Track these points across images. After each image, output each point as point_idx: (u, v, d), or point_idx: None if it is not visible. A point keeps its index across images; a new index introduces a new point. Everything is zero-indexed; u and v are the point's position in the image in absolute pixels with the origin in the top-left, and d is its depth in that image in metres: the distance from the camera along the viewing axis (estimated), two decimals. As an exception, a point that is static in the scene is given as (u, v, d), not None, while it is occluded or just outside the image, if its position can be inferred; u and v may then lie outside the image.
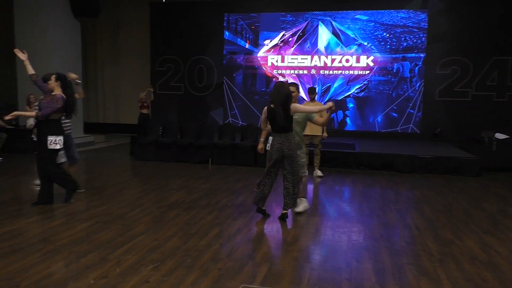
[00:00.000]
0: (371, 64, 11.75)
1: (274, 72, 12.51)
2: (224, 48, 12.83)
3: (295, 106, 4.66)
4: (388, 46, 11.59)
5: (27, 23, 10.17)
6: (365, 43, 11.76)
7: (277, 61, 12.44)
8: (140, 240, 4.00)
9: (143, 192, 6.02)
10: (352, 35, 11.85)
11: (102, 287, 3.02)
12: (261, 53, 12.56)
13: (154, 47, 13.38)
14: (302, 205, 5.12)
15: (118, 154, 9.83)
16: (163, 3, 12.98)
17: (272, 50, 12.47)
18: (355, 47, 11.85)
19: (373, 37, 11.70)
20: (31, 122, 8.99)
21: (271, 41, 12.46)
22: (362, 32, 11.77)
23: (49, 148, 5.01)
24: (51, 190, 5.22)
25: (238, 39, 12.71)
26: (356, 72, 11.90)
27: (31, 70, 5.28)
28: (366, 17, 11.71)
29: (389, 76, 11.66)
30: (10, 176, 7.04)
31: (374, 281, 3.25)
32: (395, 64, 11.57)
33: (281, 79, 12.43)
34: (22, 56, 5.33)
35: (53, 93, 5.05)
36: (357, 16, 11.77)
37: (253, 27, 12.56)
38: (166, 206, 5.29)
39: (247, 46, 12.66)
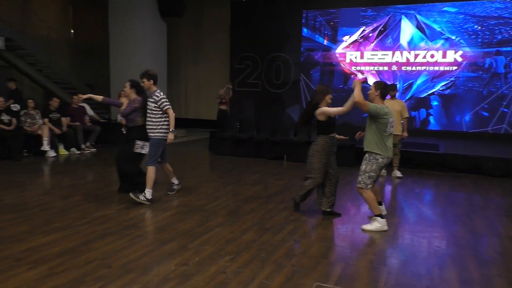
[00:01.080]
0: (459, 59, 10.97)
1: (353, 68, 12.20)
2: (302, 45, 12.79)
3: (321, 110, 4.68)
4: (480, 40, 10.73)
5: (120, 24, 11.00)
6: (453, 37, 11.01)
7: (356, 57, 12.12)
8: (218, 232, 4.16)
9: (221, 186, 6.23)
10: (438, 29, 11.15)
11: (182, 273, 3.19)
12: (339, 49, 12.32)
13: (233, 45, 13.74)
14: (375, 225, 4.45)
15: (198, 148, 10.27)
16: (244, 2, 13.27)
17: (351, 46, 12.17)
18: (441, 41, 11.14)
19: (462, 30, 10.91)
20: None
21: (350, 37, 12.17)
22: (449, 25, 11.02)
23: (135, 151, 5.23)
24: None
25: (316, 36, 12.59)
26: (441, 68, 11.19)
27: (99, 98, 5.46)
28: (455, 9, 10.95)
29: (480, 72, 10.80)
30: (103, 166, 7.69)
31: (457, 291, 3.06)
32: (487, 59, 10.68)
33: (359, 76, 12.10)
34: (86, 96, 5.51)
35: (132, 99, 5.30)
36: (445, 9, 11.05)
37: (332, 23, 12.36)
38: (242, 200, 5.43)
39: (325, 42, 12.49)
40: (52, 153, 8.27)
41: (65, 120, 8.81)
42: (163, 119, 5.12)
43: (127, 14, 10.88)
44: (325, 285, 3.08)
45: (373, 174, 4.32)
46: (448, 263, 3.58)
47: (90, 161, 8.09)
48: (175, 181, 5.71)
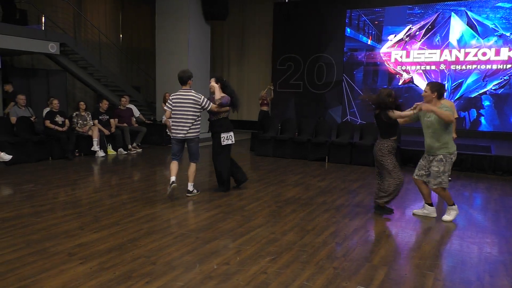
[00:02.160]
0: (514, 57, 10.40)
1: (398, 68, 11.87)
2: (345, 45, 12.61)
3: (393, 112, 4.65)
4: (537, 36, 10.13)
5: (166, 28, 11.33)
6: (508, 34, 10.45)
7: (401, 56, 11.80)
8: (259, 232, 4.18)
9: (262, 186, 6.26)
10: (491, 26, 10.63)
11: (224, 272, 3.24)
12: (384, 48, 12.03)
13: (275, 46, 13.76)
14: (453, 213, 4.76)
15: (240, 149, 10.36)
16: (286, 3, 13.26)
17: (397, 45, 11.85)
18: (494, 38, 10.61)
19: (517, 26, 10.33)
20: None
21: (395, 36, 11.86)
22: (504, 21, 10.48)
23: (223, 144, 5.57)
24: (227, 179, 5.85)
25: (360, 35, 12.36)
26: (494, 67, 10.65)
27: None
28: (510, 5, 10.39)
29: (537, 70, 10.19)
30: (148, 166, 7.94)
31: (510, 300, 2.90)
32: (545, 56, 10.06)
33: (405, 75, 11.76)
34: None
35: (217, 94, 5.51)
36: (499, 4, 10.51)
37: (376, 22, 12.09)
38: (283, 201, 5.43)
39: (369, 42, 12.24)
40: (101, 153, 8.64)
41: (113, 121, 9.18)
42: (173, 119, 5.42)
43: (173, 18, 11.19)
44: (367, 289, 3.02)
45: (449, 172, 4.59)
46: (500, 270, 3.40)
47: (136, 161, 8.38)
48: (191, 186, 5.63)
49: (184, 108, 5.28)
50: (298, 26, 13.20)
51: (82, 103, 8.96)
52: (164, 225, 4.36)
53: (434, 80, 11.12)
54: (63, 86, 11.91)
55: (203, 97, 5.37)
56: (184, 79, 5.32)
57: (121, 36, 14.36)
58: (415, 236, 4.25)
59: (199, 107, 5.32)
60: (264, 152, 9.22)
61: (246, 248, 3.75)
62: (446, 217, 4.71)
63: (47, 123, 8.22)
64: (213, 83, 5.58)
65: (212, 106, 5.42)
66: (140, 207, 4.99)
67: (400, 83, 11.87)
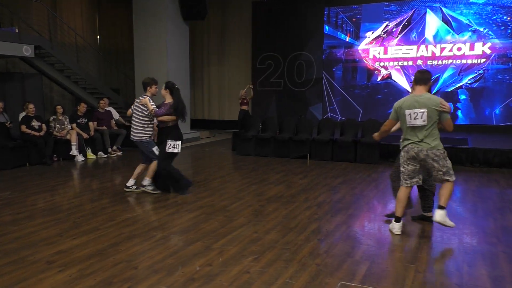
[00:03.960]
0: (488, 51, 10.64)
1: (376, 64, 12.01)
2: (324, 42, 12.70)
3: None
4: (509, 31, 10.38)
5: (144, 29, 11.20)
6: (481, 29, 10.68)
7: (379, 53, 11.94)
8: (241, 232, 4.17)
9: (244, 186, 6.25)
10: (465, 21, 10.85)
11: (206, 274, 3.22)
12: (362, 45, 12.16)
13: (255, 45, 13.76)
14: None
15: (221, 149, 10.33)
16: (264, 2, 13.26)
17: (374, 42, 11.99)
18: (468, 33, 10.84)
19: (490, 22, 10.58)
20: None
21: (373, 32, 12.00)
22: (477, 17, 10.71)
23: (167, 151, 5.52)
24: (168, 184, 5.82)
25: (338, 33, 12.47)
26: (469, 61, 10.88)
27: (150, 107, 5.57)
28: (483, 0, 10.62)
29: (510, 64, 10.45)
30: (129, 169, 7.83)
31: (488, 290, 2.96)
32: (518, 50, 10.32)
33: (383, 71, 11.91)
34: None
35: (165, 102, 5.58)
36: (472, 0, 10.73)
37: (354, 20, 12.21)
38: (265, 199, 5.43)
39: (347, 39, 12.35)
40: (80, 157, 8.49)
41: (92, 125, 9.02)
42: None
43: (150, 18, 11.08)
44: (350, 284, 3.04)
45: (402, 169, 4.08)
46: (478, 260, 3.47)
47: (117, 164, 8.26)
48: (131, 182, 5.90)
49: (135, 112, 5.62)
50: (277, 24, 13.23)
51: (59, 106, 8.78)
52: (145, 228, 4.31)
53: (412, 76, 11.30)
54: (39, 90, 11.65)
55: (150, 104, 5.46)
56: (143, 86, 5.64)
57: (98, 37, 14.14)
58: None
59: (146, 112, 5.53)
60: (245, 151, 9.21)
61: (229, 248, 3.73)
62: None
63: (23, 128, 8.03)
64: (162, 89, 5.62)
65: (150, 110, 5.46)
66: (121, 211, 4.92)
67: (378, 79, 12.01)
